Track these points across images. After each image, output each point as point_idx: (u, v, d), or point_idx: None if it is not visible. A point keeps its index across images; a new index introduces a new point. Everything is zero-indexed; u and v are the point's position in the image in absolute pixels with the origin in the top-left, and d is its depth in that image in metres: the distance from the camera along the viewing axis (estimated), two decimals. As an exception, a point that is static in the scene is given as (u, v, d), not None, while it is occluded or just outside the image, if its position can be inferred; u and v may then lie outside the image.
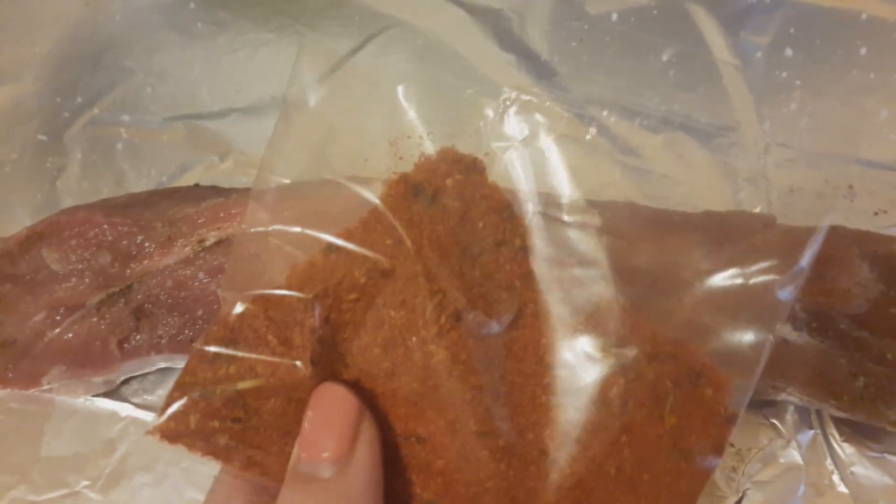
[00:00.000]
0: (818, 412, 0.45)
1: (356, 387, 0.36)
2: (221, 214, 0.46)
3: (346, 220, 0.40)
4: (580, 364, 0.36)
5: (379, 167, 0.54)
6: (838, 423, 0.45)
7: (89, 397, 0.50)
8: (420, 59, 0.57)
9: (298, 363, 0.35)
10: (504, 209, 0.38)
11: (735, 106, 0.52)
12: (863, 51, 0.51)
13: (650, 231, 0.43)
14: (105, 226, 0.47)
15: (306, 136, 0.56)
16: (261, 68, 0.59)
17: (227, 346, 0.35)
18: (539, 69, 0.55)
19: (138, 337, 0.46)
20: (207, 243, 0.46)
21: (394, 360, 0.36)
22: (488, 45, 0.56)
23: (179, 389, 0.34)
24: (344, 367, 0.36)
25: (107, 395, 0.50)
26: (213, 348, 0.35)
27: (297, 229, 0.38)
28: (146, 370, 0.49)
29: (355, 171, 0.54)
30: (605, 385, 0.35)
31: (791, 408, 0.45)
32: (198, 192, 0.49)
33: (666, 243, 0.42)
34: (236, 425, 0.34)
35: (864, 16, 0.51)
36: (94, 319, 0.46)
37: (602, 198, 0.48)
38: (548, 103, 0.54)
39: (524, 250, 0.37)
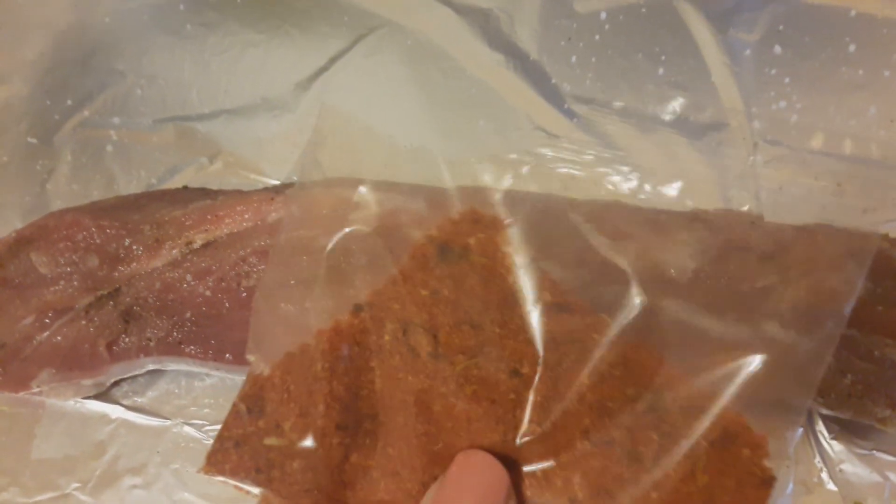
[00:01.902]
0: (807, 410, 0.45)
1: (374, 440, 0.37)
2: (208, 216, 0.46)
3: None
4: (616, 412, 0.36)
5: (369, 168, 0.54)
6: (827, 420, 0.45)
7: (79, 400, 0.50)
8: (409, 59, 0.57)
9: (310, 441, 0.37)
10: (529, 265, 0.39)
11: (724, 104, 0.52)
12: (852, 48, 0.51)
13: (637, 230, 0.43)
14: (93, 229, 0.47)
15: (295, 137, 0.57)
16: (250, 69, 0.58)
17: (255, 404, 0.38)
18: (528, 68, 0.55)
19: (127, 339, 0.46)
20: (195, 245, 0.46)
21: (415, 409, 0.36)
22: (477, 45, 0.56)
23: (219, 440, 0.38)
24: (365, 425, 0.37)
25: (97, 397, 0.50)
26: (244, 405, 0.38)
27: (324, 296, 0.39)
28: (135, 372, 0.49)
29: (347, 173, 0.54)
30: (637, 438, 0.35)
31: (780, 406, 0.45)
32: (186, 195, 0.50)
33: (652, 243, 0.42)
34: (261, 476, 0.38)
35: (853, 12, 0.51)
36: (83, 322, 0.46)
37: (591, 196, 0.48)
38: (536, 102, 0.54)
39: (556, 305, 0.38)
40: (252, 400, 0.38)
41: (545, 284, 0.38)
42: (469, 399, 0.36)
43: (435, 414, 0.36)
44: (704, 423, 0.35)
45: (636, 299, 0.39)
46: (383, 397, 0.37)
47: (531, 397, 0.36)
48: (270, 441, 0.37)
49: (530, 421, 0.36)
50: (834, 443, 0.44)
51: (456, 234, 0.39)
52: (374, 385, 0.37)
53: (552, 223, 0.42)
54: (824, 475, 0.44)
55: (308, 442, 0.37)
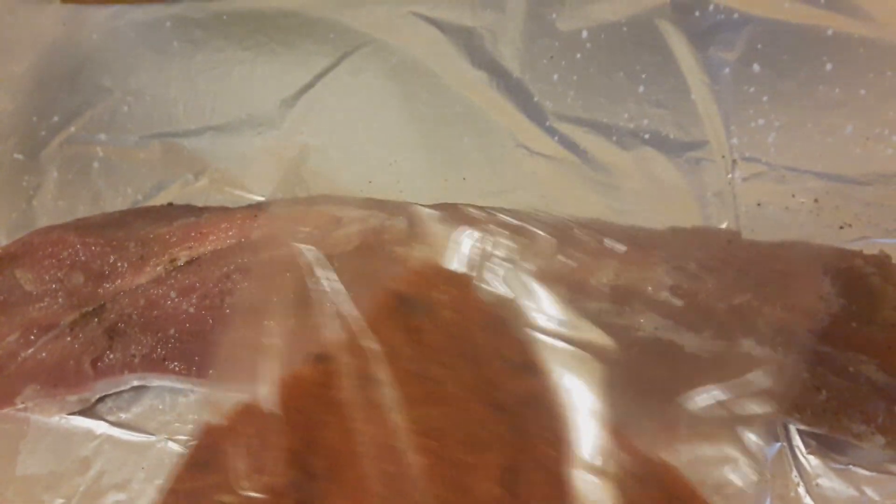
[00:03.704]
0: (784, 425, 0.45)
1: (325, 500, 0.36)
2: (193, 234, 0.46)
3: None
4: (578, 482, 0.35)
5: (353, 186, 0.55)
6: (804, 435, 0.45)
7: (64, 416, 0.50)
8: (394, 77, 0.57)
9: (263, 500, 0.35)
10: (498, 324, 0.38)
11: (704, 121, 0.53)
12: (829, 66, 0.52)
13: (616, 247, 0.44)
14: (78, 246, 0.47)
15: (280, 153, 0.57)
16: (236, 86, 0.59)
17: (209, 455, 0.36)
18: (511, 86, 0.55)
19: (111, 356, 0.46)
20: (179, 262, 0.46)
21: (369, 468, 0.35)
22: (461, 63, 0.56)
23: (170, 494, 0.36)
24: (318, 484, 0.36)
25: (81, 413, 0.50)
26: (196, 457, 0.37)
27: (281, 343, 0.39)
28: (120, 388, 0.49)
29: (331, 190, 0.54)
30: None
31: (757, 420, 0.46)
32: (171, 212, 0.50)
33: (630, 260, 0.43)
34: None
35: (829, 31, 0.52)
36: (68, 339, 0.47)
37: (570, 213, 0.49)
38: (518, 119, 0.54)
39: (524, 367, 0.37)
40: (206, 451, 0.37)
41: (513, 344, 0.37)
42: (422, 452, 0.35)
43: (388, 475, 0.35)
44: (657, 493, 0.35)
45: (615, 319, 0.40)
46: (337, 454, 0.36)
47: (493, 462, 0.35)
48: (223, 498, 0.36)
49: (492, 488, 0.35)
50: (811, 457, 0.45)
51: (421, 287, 0.39)
52: (328, 440, 0.36)
53: (528, 239, 0.42)
54: (801, 490, 0.44)
55: (261, 501, 0.35)
